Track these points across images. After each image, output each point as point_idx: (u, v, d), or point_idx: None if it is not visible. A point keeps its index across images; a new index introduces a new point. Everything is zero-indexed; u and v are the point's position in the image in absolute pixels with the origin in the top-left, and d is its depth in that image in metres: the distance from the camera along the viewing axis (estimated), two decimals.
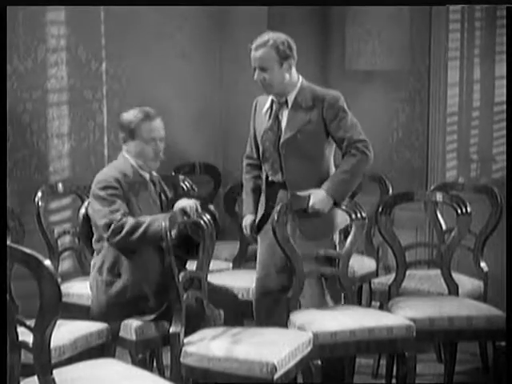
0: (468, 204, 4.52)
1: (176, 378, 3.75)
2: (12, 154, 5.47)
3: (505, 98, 5.55)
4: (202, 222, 4.04)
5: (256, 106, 4.50)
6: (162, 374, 4.57)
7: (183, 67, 6.10)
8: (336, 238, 4.47)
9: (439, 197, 4.69)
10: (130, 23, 5.86)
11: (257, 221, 4.47)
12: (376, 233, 4.95)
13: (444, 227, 5.11)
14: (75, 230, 4.96)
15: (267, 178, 4.43)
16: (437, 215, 5.15)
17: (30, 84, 5.58)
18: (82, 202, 4.80)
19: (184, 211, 4.03)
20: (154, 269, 4.05)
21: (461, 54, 6.12)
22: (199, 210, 4.05)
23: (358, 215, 4.32)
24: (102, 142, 5.91)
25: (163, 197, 4.30)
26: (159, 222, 3.94)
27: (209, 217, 4.08)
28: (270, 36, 4.27)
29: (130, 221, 4.02)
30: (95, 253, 4.24)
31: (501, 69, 5.99)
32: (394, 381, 4.41)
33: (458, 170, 6.17)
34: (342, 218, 4.40)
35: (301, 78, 4.38)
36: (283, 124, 4.34)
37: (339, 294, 4.42)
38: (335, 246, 4.43)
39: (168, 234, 3.83)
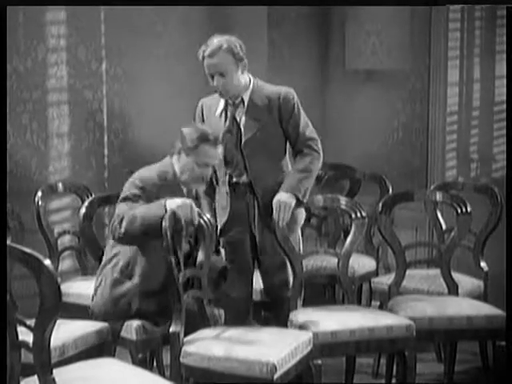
0: (468, 204, 4.52)
1: (176, 377, 3.75)
2: (12, 154, 5.47)
3: (505, 98, 5.56)
4: (201, 221, 4.03)
5: (202, 109, 4.47)
6: (162, 373, 4.57)
7: (183, 67, 6.10)
8: (299, 234, 4.48)
9: (439, 196, 4.69)
10: (130, 23, 5.86)
11: (220, 226, 4.41)
12: (376, 232, 4.95)
13: (444, 227, 5.12)
14: (75, 229, 4.96)
15: (230, 179, 4.40)
16: (437, 215, 5.16)
17: (30, 84, 5.57)
18: (82, 201, 4.81)
19: (174, 215, 3.92)
20: (167, 275, 3.98)
21: (461, 54, 6.12)
22: (194, 209, 4.00)
23: (358, 215, 4.33)
24: (101, 141, 5.91)
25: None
26: (153, 210, 3.90)
27: (208, 216, 4.08)
28: (221, 40, 4.23)
29: (127, 213, 3.97)
30: (109, 248, 4.18)
31: (501, 68, 6.00)
32: (393, 380, 4.41)
33: (457, 170, 6.17)
34: (301, 215, 4.44)
35: (252, 77, 4.39)
36: (242, 124, 4.33)
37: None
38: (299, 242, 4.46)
39: (168, 233, 3.83)
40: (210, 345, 3.73)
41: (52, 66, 5.68)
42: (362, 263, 5.13)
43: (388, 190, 5.36)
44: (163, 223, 3.85)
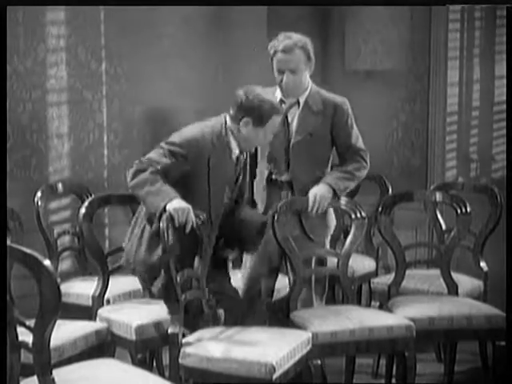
0: (468, 204, 4.52)
1: (175, 378, 3.75)
2: (12, 154, 5.47)
3: (504, 98, 5.56)
4: (200, 222, 4.03)
5: None
6: (161, 374, 4.57)
7: (183, 67, 6.10)
8: (327, 241, 4.48)
9: (439, 196, 4.69)
10: (130, 23, 5.86)
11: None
12: (376, 232, 4.95)
13: (444, 227, 5.12)
14: (75, 229, 4.96)
15: (269, 175, 4.44)
16: (436, 215, 5.16)
17: (29, 84, 5.58)
18: (82, 202, 4.80)
19: (171, 218, 3.87)
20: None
21: (460, 54, 6.12)
22: (191, 212, 3.95)
23: (358, 215, 4.33)
24: (101, 142, 5.91)
25: (241, 175, 4.19)
26: (157, 201, 3.87)
27: (207, 216, 4.06)
28: (296, 38, 4.28)
29: (146, 175, 3.92)
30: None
31: (500, 69, 6.00)
32: (393, 380, 4.41)
33: (457, 170, 6.17)
34: (334, 222, 4.48)
35: (310, 80, 4.41)
36: (293, 126, 4.36)
37: (324, 290, 4.46)
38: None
39: (166, 234, 3.82)
40: (208, 345, 3.73)
41: (52, 66, 5.68)
42: (361, 263, 5.13)
43: (388, 190, 5.37)
44: (161, 224, 3.84)
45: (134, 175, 3.96)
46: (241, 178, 4.21)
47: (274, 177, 4.43)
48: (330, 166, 4.44)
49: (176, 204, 3.86)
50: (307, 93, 4.37)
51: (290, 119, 4.37)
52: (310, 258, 4.33)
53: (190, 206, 3.90)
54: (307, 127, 4.33)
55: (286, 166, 4.37)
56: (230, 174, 4.12)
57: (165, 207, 3.85)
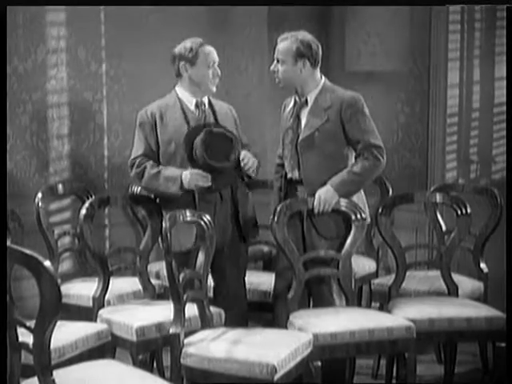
0: (468, 205, 4.52)
1: (176, 379, 3.75)
2: (12, 155, 5.48)
3: (505, 99, 5.56)
4: (202, 222, 4.04)
5: (284, 108, 4.60)
6: (162, 374, 4.58)
7: None
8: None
9: (439, 198, 4.69)
10: (130, 24, 5.86)
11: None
12: (376, 234, 4.95)
13: (444, 228, 5.12)
14: (75, 230, 4.96)
15: (286, 175, 4.49)
16: (437, 216, 5.16)
17: (29, 85, 5.58)
18: (82, 203, 4.80)
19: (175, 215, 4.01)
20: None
21: (461, 55, 6.12)
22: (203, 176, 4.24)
23: (358, 216, 4.33)
24: (101, 143, 5.91)
25: (207, 119, 4.49)
26: (174, 181, 4.31)
27: (208, 218, 4.08)
28: (295, 33, 4.41)
29: (148, 167, 4.39)
30: None
31: (501, 70, 5.99)
32: (394, 381, 4.41)
33: (457, 171, 6.17)
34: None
35: (324, 78, 4.46)
36: (303, 123, 4.41)
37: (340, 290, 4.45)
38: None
39: (168, 234, 3.83)
40: (210, 346, 3.73)
41: (52, 67, 5.68)
42: (362, 264, 5.13)
43: (388, 192, 5.36)
44: (163, 224, 3.85)
45: (138, 176, 4.44)
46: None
47: (288, 175, 4.47)
48: (349, 163, 4.42)
49: (188, 174, 4.30)
50: (317, 90, 4.42)
51: (300, 118, 4.43)
52: (310, 258, 4.33)
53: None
54: (315, 123, 4.36)
55: (297, 163, 4.41)
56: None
57: (181, 182, 4.30)
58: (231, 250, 4.47)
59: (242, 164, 4.40)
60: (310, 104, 4.41)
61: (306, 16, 6.37)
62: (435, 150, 6.10)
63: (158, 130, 4.44)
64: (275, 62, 4.43)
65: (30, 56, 5.56)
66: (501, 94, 5.97)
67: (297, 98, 4.46)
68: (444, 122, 6.08)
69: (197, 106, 4.49)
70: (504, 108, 5.84)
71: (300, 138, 4.39)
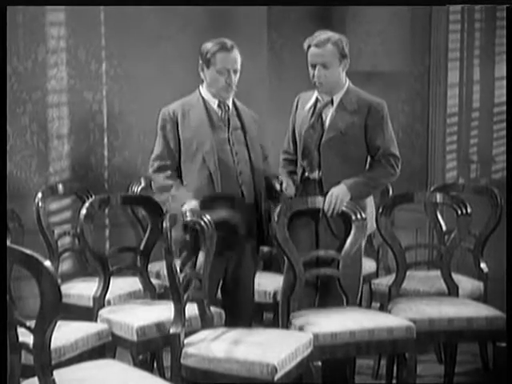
0: (468, 205, 4.52)
1: (176, 379, 3.75)
2: (12, 155, 5.48)
3: (505, 99, 5.56)
4: (202, 223, 4.03)
5: (298, 103, 4.53)
6: (162, 375, 4.57)
7: (183, 68, 6.10)
8: (362, 246, 4.48)
9: (439, 198, 4.69)
10: (130, 24, 5.87)
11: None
12: (376, 234, 4.95)
13: (444, 228, 5.12)
14: (75, 230, 4.96)
15: (303, 173, 4.46)
16: (437, 216, 5.16)
17: (30, 85, 5.58)
18: (82, 203, 4.80)
19: (183, 214, 4.02)
20: None
21: (461, 55, 6.12)
22: (198, 212, 4.03)
23: (358, 216, 4.33)
24: (101, 143, 5.91)
25: (230, 121, 4.40)
26: (177, 203, 4.23)
27: (208, 217, 4.07)
28: (331, 34, 4.33)
29: (159, 179, 4.36)
30: None
31: (501, 70, 6.00)
32: (394, 381, 4.41)
33: (457, 171, 6.17)
34: (370, 223, 4.45)
35: (348, 80, 4.43)
36: (326, 123, 4.38)
37: None
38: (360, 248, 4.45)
39: (168, 234, 3.83)
40: (210, 346, 3.73)
41: (52, 67, 5.68)
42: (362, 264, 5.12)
43: (388, 192, 5.36)
44: (164, 224, 3.85)
45: (154, 181, 4.43)
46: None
47: (306, 174, 4.45)
48: (366, 168, 4.43)
49: (188, 204, 4.19)
50: (343, 91, 4.39)
51: (324, 117, 4.39)
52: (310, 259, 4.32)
53: (197, 204, 4.24)
54: (339, 125, 4.34)
55: (318, 163, 4.39)
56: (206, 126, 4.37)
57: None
58: (247, 258, 4.44)
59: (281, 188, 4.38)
60: (335, 104, 4.37)
61: (306, 16, 6.37)
62: (435, 150, 6.10)
63: (180, 129, 4.36)
64: (317, 67, 4.29)
65: (30, 56, 5.57)
66: (501, 94, 5.98)
67: (319, 96, 4.41)
68: (444, 122, 6.09)
69: (219, 106, 4.40)
70: (504, 108, 5.85)
71: (323, 138, 4.36)
